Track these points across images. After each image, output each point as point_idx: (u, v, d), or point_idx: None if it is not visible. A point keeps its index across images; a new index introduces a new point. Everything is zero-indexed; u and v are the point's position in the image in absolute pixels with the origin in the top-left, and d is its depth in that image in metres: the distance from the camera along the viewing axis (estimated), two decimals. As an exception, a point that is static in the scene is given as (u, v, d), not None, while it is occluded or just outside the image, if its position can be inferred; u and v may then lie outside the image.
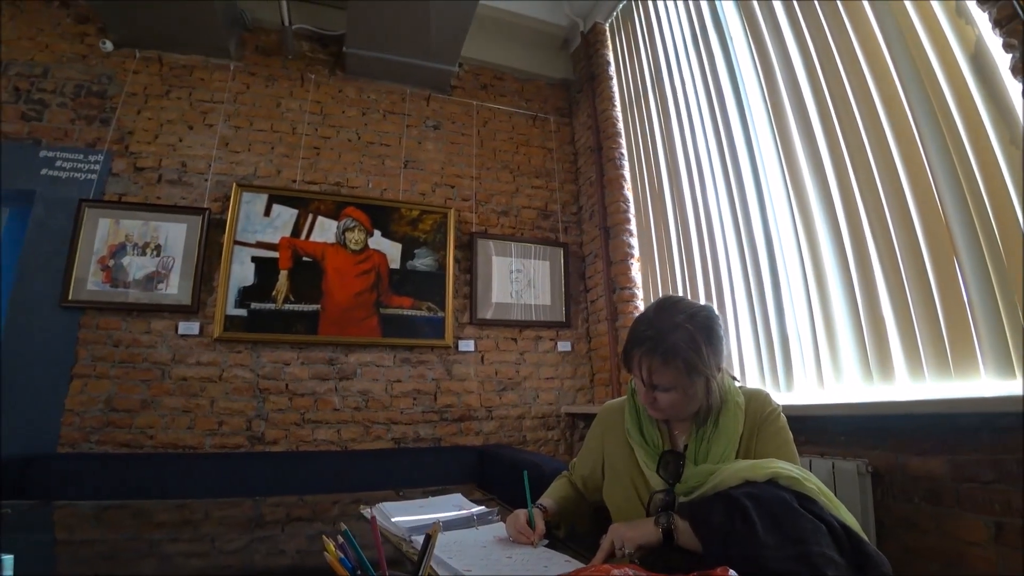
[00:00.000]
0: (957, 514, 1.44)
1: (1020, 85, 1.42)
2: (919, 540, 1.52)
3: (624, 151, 3.45)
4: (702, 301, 2.48)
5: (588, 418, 3.08)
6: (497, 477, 2.55)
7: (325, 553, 0.67)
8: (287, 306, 2.83)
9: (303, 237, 2.94)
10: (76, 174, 2.80)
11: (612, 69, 3.59)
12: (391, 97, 3.42)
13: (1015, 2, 1.40)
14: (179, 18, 2.87)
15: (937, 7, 1.66)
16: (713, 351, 1.06)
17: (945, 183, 1.59)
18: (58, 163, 2.79)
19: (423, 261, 3.13)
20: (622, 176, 3.40)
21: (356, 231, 3.03)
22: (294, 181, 3.07)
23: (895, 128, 1.75)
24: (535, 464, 2.11)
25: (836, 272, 1.92)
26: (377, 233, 3.07)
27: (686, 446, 1.09)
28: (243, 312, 2.76)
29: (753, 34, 2.38)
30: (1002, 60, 1.49)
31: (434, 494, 1.59)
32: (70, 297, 2.59)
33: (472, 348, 3.17)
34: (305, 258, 2.92)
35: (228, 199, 2.89)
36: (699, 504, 0.90)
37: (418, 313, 3.05)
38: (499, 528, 1.20)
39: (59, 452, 2.45)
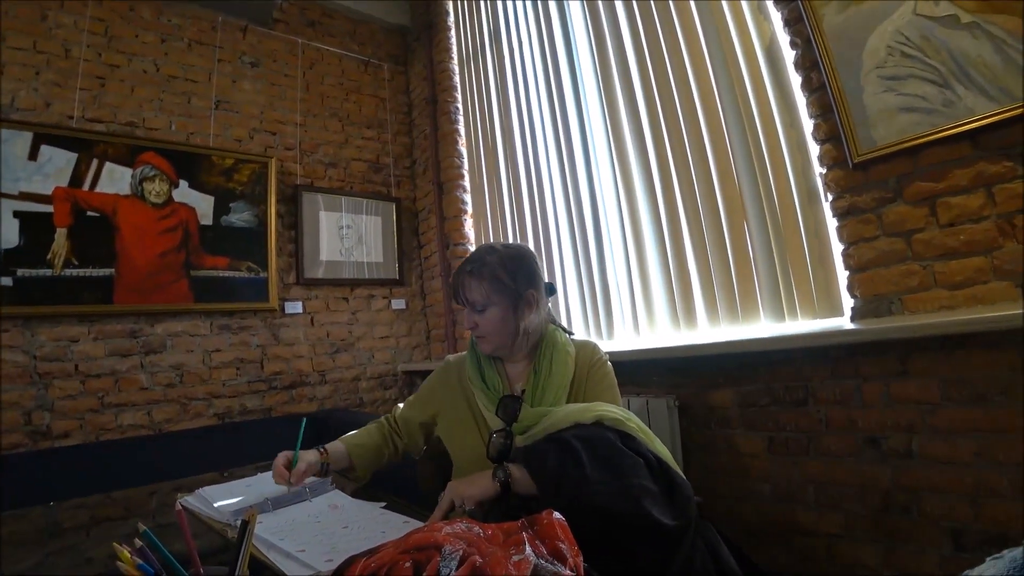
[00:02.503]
0: (741, 434, 1.83)
1: (800, 77, 1.76)
2: (715, 459, 1.90)
3: (460, 106, 3.42)
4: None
5: (425, 375, 3.13)
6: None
7: (119, 563, 0.60)
8: (69, 271, 2.38)
9: (86, 187, 2.47)
10: None
11: (451, 20, 3.48)
12: (199, 24, 2.95)
13: (800, 5, 1.67)
14: None
15: (745, 5, 1.92)
16: (522, 275, 1.20)
17: (741, 156, 1.92)
18: None
19: (240, 216, 2.85)
20: (457, 131, 3.39)
21: (157, 181, 2.64)
22: (70, 117, 2.53)
23: (704, 106, 2.03)
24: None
25: (651, 232, 2.21)
26: (184, 184, 2.70)
27: (523, 391, 1.20)
28: (8, 281, 2.26)
29: (588, 3, 2.49)
30: (789, 55, 1.80)
31: (265, 469, 1.53)
32: None
33: (300, 310, 3.02)
34: (91, 213, 2.47)
35: (-27, 137, 2.31)
36: (532, 449, 0.97)
37: (237, 274, 2.80)
38: (334, 496, 1.18)
39: None
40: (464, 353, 1.36)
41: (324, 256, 3.12)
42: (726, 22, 1.96)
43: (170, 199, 2.67)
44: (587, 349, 1.28)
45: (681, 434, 1.93)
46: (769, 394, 1.76)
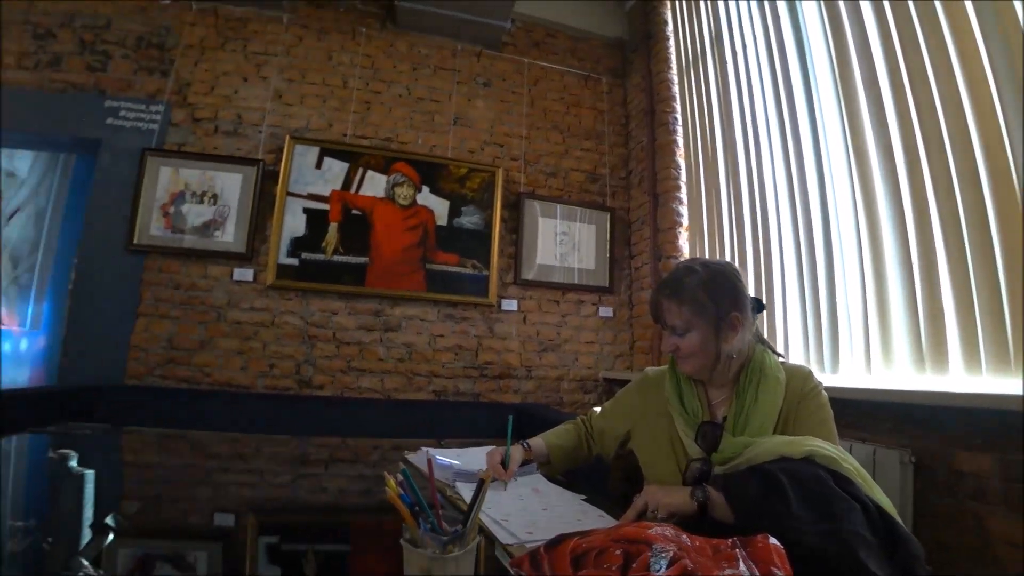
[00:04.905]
0: (1002, 514, 1.37)
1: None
2: (956, 537, 1.46)
3: (678, 116, 3.32)
4: (751, 274, 2.47)
5: (625, 384, 3.07)
6: (533, 435, 2.57)
7: (386, 488, 0.69)
8: (336, 257, 2.89)
9: (353, 190, 2.99)
10: (139, 123, 2.89)
11: (669, 29, 3.44)
12: (442, 53, 3.39)
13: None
14: None
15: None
16: (725, 296, 1.10)
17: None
18: (122, 113, 2.89)
19: (470, 219, 3.14)
20: (674, 142, 3.29)
21: (405, 186, 3.06)
22: (345, 135, 3.10)
23: (974, 102, 1.59)
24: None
25: (895, 253, 1.80)
26: (425, 189, 3.09)
27: (725, 417, 1.09)
28: (294, 261, 2.85)
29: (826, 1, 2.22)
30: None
31: (472, 445, 1.61)
32: (135, 241, 2.72)
33: (515, 308, 3.19)
34: (354, 211, 2.96)
35: (281, 151, 2.94)
36: (734, 477, 0.90)
37: (463, 270, 3.08)
38: (535, 480, 1.24)
39: (126, 384, 2.63)
40: (664, 368, 1.27)
41: (540, 260, 3.26)
42: (1015, 12, 1.49)
43: (414, 202, 3.06)
44: (799, 376, 1.13)
45: (914, 497, 1.54)
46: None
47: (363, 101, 3.18)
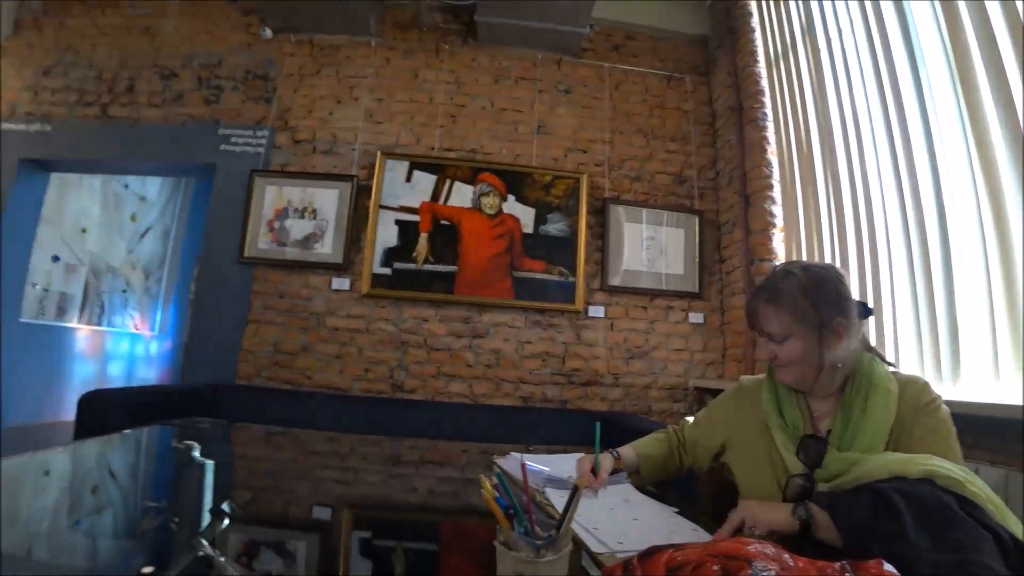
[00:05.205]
0: None
1: None
2: None
3: (768, 111, 3.17)
4: (855, 276, 2.29)
5: (717, 393, 2.93)
6: (620, 444, 2.52)
7: (482, 491, 0.70)
8: (426, 266, 3.00)
9: (441, 201, 3.08)
10: (247, 148, 3.20)
11: (755, 21, 3.30)
12: (523, 63, 3.44)
13: None
14: (325, 1, 3.13)
15: None
16: (827, 301, 1.03)
17: None
18: (233, 139, 3.22)
19: (555, 226, 3.14)
20: (765, 139, 3.14)
21: (491, 196, 3.11)
22: (432, 148, 3.21)
23: None
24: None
25: None
26: (511, 198, 3.13)
27: (829, 431, 1.01)
28: (387, 271, 2.98)
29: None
30: None
31: (559, 453, 1.60)
32: (245, 254, 2.97)
33: (602, 314, 3.14)
34: (443, 221, 3.06)
35: (373, 167, 3.10)
36: (841, 496, 0.83)
37: (549, 277, 3.08)
38: (625, 489, 1.21)
39: (237, 384, 2.88)
40: (761, 376, 1.20)
41: (627, 265, 3.20)
42: None
43: (500, 211, 3.11)
44: (915, 388, 1.02)
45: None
46: None
47: (448, 115, 3.29)
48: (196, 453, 0.92)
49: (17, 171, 3.26)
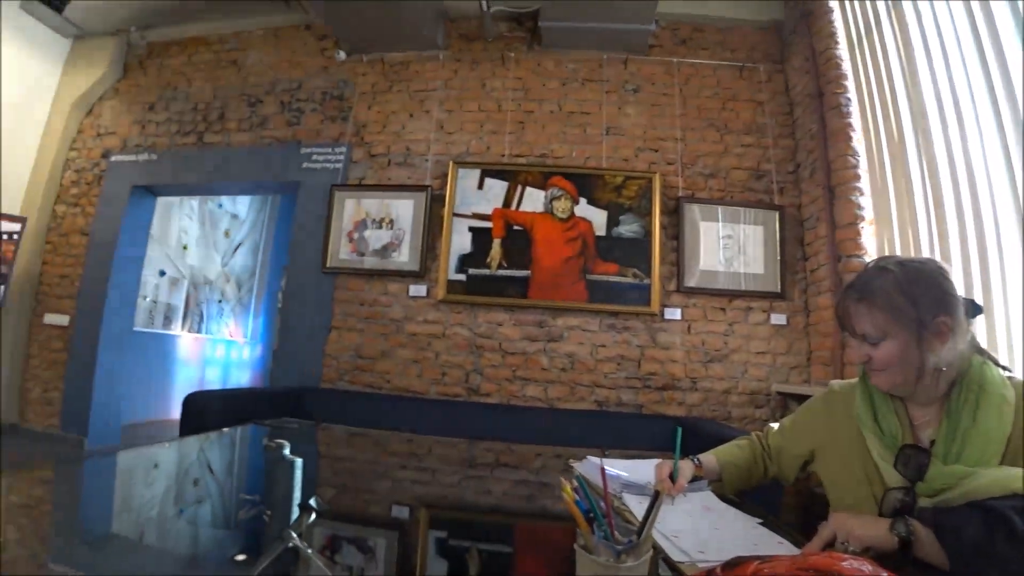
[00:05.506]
0: None
1: None
2: None
3: (851, 96, 2.97)
4: (959, 273, 2.10)
5: (802, 400, 2.77)
6: (698, 450, 2.44)
7: (563, 494, 0.70)
8: (500, 271, 3.05)
9: (513, 207, 3.12)
10: (327, 164, 3.41)
11: (832, 1, 3.12)
12: (589, 65, 3.43)
13: None
14: (393, 21, 3.28)
15: None
16: (927, 298, 0.93)
17: None
18: (313, 157, 3.45)
19: (628, 227, 3.10)
20: (849, 126, 2.94)
21: (563, 200, 3.12)
22: (503, 155, 3.26)
23: None
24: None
25: None
26: (583, 201, 3.12)
27: (932, 441, 0.93)
28: (462, 277, 3.06)
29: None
30: None
31: (635, 458, 1.57)
32: (327, 264, 3.15)
33: (678, 316, 3.07)
34: (515, 227, 3.10)
35: (446, 176, 3.19)
36: (948, 512, 0.76)
37: (624, 279, 3.04)
38: (706, 497, 1.17)
39: (322, 387, 3.06)
40: (853, 381, 1.11)
41: (703, 266, 3.11)
42: None
43: (572, 214, 3.11)
44: None
45: None
46: None
47: (517, 121, 3.33)
48: (286, 451, 0.99)
49: (130, 197, 3.63)
